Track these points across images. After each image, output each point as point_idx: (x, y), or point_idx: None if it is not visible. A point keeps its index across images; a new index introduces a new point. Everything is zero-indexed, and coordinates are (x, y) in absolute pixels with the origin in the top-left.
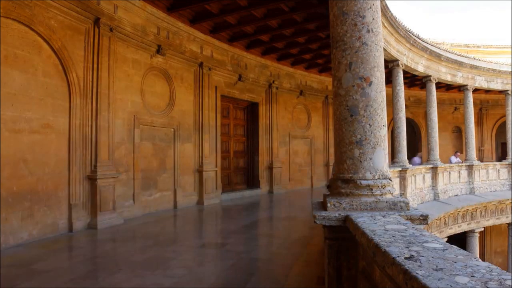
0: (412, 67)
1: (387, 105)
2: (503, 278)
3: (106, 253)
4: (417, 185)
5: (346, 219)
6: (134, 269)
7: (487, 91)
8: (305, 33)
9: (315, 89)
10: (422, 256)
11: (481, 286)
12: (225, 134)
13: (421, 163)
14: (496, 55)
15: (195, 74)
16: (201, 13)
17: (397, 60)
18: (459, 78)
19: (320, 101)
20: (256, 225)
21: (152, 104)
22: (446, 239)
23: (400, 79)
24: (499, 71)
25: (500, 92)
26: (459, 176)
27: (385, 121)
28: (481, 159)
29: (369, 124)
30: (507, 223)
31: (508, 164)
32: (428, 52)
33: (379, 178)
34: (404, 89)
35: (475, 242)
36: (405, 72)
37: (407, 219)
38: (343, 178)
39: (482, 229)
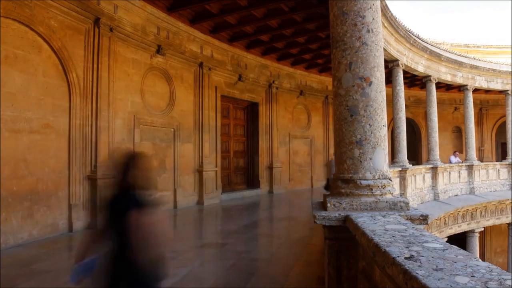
0: (412, 67)
1: (387, 105)
2: (503, 278)
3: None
4: (417, 185)
5: (346, 219)
6: None
7: (487, 91)
8: (305, 33)
9: (315, 89)
10: (422, 256)
11: (481, 286)
12: (225, 134)
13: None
14: (496, 55)
15: (195, 74)
16: (201, 13)
17: (397, 60)
18: (459, 78)
19: (320, 101)
20: (256, 225)
21: (152, 104)
22: (446, 239)
23: (400, 79)
24: (499, 71)
25: (500, 92)
26: (459, 176)
27: (385, 121)
28: (481, 159)
29: (369, 124)
30: (507, 223)
31: (508, 164)
32: (428, 52)
33: (379, 178)
34: (404, 89)
35: (475, 242)
36: (405, 72)
37: (407, 219)
38: (343, 178)
39: (482, 229)
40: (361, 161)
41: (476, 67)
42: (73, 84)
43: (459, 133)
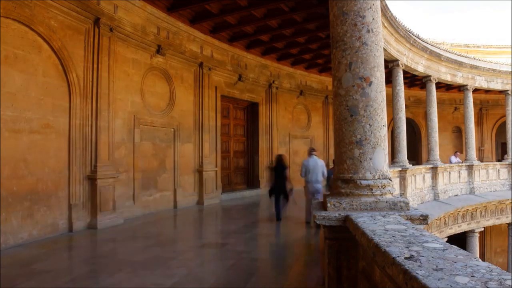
0: (412, 67)
1: (387, 105)
2: (503, 278)
3: (106, 253)
4: (417, 185)
5: (346, 219)
6: (134, 269)
7: (487, 91)
8: (305, 33)
9: (315, 89)
10: (422, 256)
11: (481, 286)
12: (225, 134)
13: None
14: (496, 55)
15: (195, 74)
16: (201, 13)
17: (397, 60)
18: (459, 78)
19: (320, 101)
20: (256, 225)
21: (152, 104)
22: (446, 239)
23: (400, 79)
24: (499, 71)
25: (500, 92)
26: (459, 176)
27: (385, 121)
28: (481, 159)
29: (369, 124)
30: (507, 223)
31: (508, 164)
32: (428, 52)
33: (379, 178)
34: (404, 89)
35: (475, 242)
36: (405, 72)
37: (407, 219)
38: (343, 178)
39: (482, 229)
40: (361, 161)
41: (476, 67)
42: (73, 84)
43: (459, 133)
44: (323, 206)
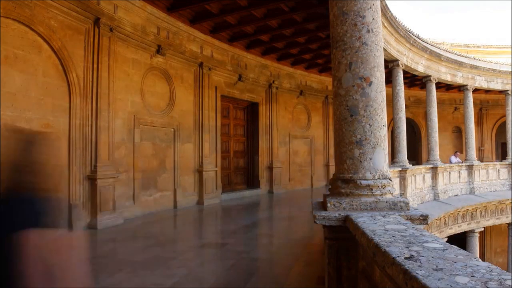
0: (412, 67)
1: (387, 105)
2: (503, 278)
3: (106, 253)
4: (417, 185)
5: (346, 219)
6: (134, 269)
7: (487, 91)
8: (305, 33)
9: (315, 89)
10: (422, 256)
11: (481, 286)
12: (225, 134)
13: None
14: (496, 55)
15: (195, 74)
16: (201, 13)
17: (397, 60)
18: (459, 78)
19: (320, 101)
20: (256, 225)
21: (152, 104)
22: (446, 239)
23: (400, 79)
24: (499, 71)
25: (500, 92)
26: (459, 176)
27: (385, 121)
28: (481, 159)
29: (369, 124)
30: (507, 223)
31: (508, 164)
32: (428, 52)
33: (379, 178)
34: (404, 89)
35: (475, 242)
36: (405, 72)
37: (407, 219)
38: (343, 178)
39: (482, 229)
40: (361, 161)
41: (476, 67)
42: (73, 84)
43: (459, 133)
44: (323, 206)
